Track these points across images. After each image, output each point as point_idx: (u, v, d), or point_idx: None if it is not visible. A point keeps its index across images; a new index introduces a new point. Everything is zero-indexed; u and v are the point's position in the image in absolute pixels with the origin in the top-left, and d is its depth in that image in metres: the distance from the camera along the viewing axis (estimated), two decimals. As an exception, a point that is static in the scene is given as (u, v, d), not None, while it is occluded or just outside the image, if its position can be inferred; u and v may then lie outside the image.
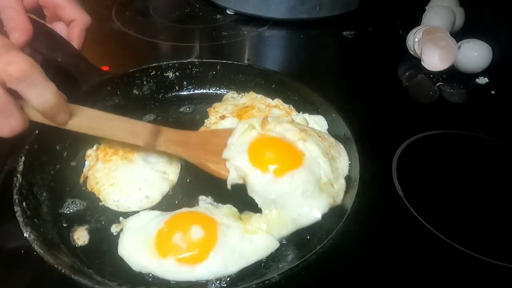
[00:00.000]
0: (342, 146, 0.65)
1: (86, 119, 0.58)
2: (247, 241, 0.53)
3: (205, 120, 0.74)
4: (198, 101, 0.80)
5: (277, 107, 0.74)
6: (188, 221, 0.55)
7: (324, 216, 0.55)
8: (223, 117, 0.72)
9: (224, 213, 0.56)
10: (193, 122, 0.75)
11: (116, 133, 0.59)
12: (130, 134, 0.59)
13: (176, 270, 0.51)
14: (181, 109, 0.79)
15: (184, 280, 0.50)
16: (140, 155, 0.63)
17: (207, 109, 0.76)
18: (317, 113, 0.73)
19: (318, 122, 0.71)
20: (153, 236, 0.53)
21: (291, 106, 0.75)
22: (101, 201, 0.59)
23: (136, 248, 0.53)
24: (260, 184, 0.56)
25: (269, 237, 0.54)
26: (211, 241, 0.52)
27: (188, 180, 0.64)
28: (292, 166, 0.57)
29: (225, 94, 0.81)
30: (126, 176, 0.61)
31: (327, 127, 0.71)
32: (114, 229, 0.56)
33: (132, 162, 0.62)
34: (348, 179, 0.61)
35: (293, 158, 0.58)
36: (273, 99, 0.76)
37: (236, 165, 0.57)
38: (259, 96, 0.78)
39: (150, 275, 0.51)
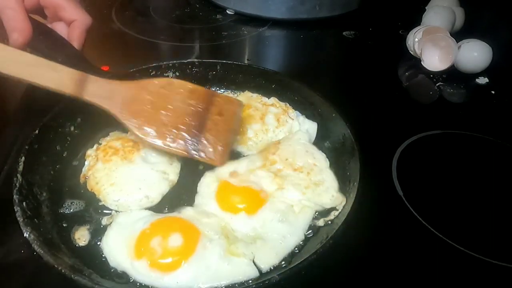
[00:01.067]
0: (322, 159, 0.64)
1: (10, 61, 0.55)
2: (226, 261, 0.51)
3: None
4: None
5: (273, 106, 0.74)
6: (171, 227, 0.53)
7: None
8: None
9: (213, 225, 0.54)
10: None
11: (39, 79, 0.56)
12: (55, 81, 0.57)
13: (146, 273, 0.49)
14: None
15: (152, 285, 0.49)
16: (140, 155, 0.63)
17: None
18: (317, 113, 0.73)
19: (309, 130, 0.71)
20: (135, 236, 0.53)
21: (287, 104, 0.75)
22: (101, 201, 0.59)
23: (117, 244, 0.53)
24: (236, 225, 0.56)
25: (250, 264, 0.51)
26: (188, 252, 0.50)
27: (188, 180, 0.64)
28: (260, 203, 0.57)
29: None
30: (126, 176, 0.60)
31: (314, 136, 0.71)
32: (105, 221, 0.56)
33: (132, 162, 0.62)
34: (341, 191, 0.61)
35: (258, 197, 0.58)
36: (269, 98, 0.76)
37: (208, 212, 0.57)
38: (255, 95, 0.77)
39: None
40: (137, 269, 0.50)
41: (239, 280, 0.49)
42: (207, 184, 0.61)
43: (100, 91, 0.60)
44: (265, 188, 0.59)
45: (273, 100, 0.76)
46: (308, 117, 0.74)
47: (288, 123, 0.71)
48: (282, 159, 0.63)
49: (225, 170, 0.62)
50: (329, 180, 0.61)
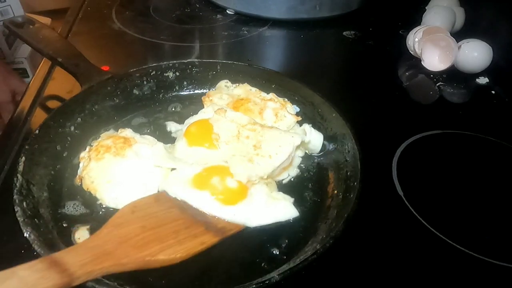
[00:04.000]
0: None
1: None
2: (271, 203, 0.59)
3: (200, 110, 0.73)
4: (199, 101, 0.80)
5: (272, 100, 0.74)
6: (226, 172, 0.59)
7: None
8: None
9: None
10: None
11: None
12: None
13: (209, 202, 0.57)
14: (181, 109, 0.79)
15: (212, 214, 0.56)
16: (132, 150, 0.63)
17: (202, 97, 0.76)
18: (317, 113, 0.73)
19: (312, 141, 0.68)
20: (191, 178, 0.59)
21: (286, 99, 0.75)
22: (98, 200, 0.59)
23: (176, 182, 0.59)
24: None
25: (291, 206, 0.59)
26: (243, 193, 0.58)
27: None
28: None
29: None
30: (120, 172, 0.60)
31: (318, 147, 0.69)
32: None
33: (125, 158, 0.62)
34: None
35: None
36: (268, 93, 0.76)
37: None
38: (254, 89, 0.77)
39: (150, 279, 0.51)
40: (200, 198, 0.57)
41: (284, 219, 0.58)
42: None
43: (85, 256, 0.43)
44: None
45: (272, 95, 0.75)
46: (308, 117, 0.74)
47: (286, 117, 0.71)
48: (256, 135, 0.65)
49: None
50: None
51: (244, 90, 0.77)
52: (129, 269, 0.46)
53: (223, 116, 0.66)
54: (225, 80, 0.80)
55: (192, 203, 0.57)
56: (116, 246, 0.46)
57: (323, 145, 0.69)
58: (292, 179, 0.65)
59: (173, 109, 0.78)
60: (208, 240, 0.52)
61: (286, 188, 0.64)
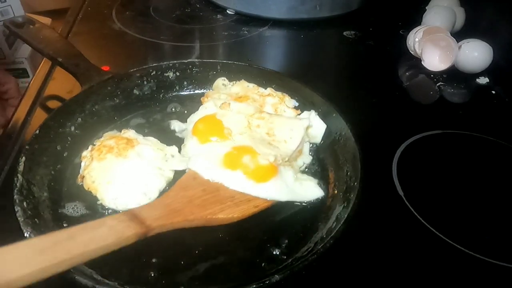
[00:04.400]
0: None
1: (50, 252, 0.39)
2: (298, 183, 0.61)
3: (200, 106, 0.73)
4: (199, 101, 0.80)
5: (270, 96, 0.74)
6: (253, 152, 0.60)
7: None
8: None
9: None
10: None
11: (92, 248, 0.42)
12: (109, 239, 0.43)
13: (242, 181, 0.58)
14: (181, 109, 0.79)
15: (245, 192, 0.57)
16: (135, 151, 0.63)
17: (201, 98, 0.76)
18: (317, 113, 0.72)
19: (315, 127, 0.70)
20: (221, 157, 0.60)
21: (284, 93, 0.75)
22: (99, 200, 0.59)
23: (207, 163, 0.60)
24: None
25: (316, 186, 0.62)
26: (273, 170, 0.59)
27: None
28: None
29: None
30: (122, 173, 0.60)
31: (320, 136, 0.70)
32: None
33: (127, 159, 0.62)
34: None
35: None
36: (265, 88, 0.76)
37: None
38: (251, 85, 0.77)
39: (152, 274, 0.51)
40: (234, 178, 0.58)
41: (311, 198, 0.61)
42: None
43: (158, 212, 0.51)
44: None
45: (270, 90, 0.76)
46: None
47: (285, 112, 0.72)
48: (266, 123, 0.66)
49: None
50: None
51: (241, 87, 0.77)
52: (194, 225, 0.53)
53: (229, 109, 0.67)
54: (222, 78, 0.79)
55: (228, 184, 0.58)
56: (184, 205, 0.53)
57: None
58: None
59: (173, 109, 0.78)
60: (261, 203, 0.57)
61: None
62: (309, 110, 0.73)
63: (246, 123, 0.65)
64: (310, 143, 0.70)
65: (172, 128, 0.73)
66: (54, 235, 0.40)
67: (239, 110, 0.68)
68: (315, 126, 0.70)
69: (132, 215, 0.48)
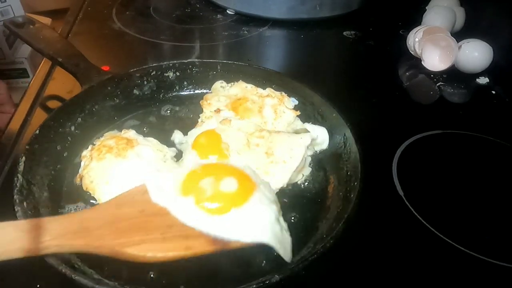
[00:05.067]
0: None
1: None
2: (278, 225, 0.49)
3: (200, 115, 0.73)
4: (199, 102, 0.80)
5: (269, 96, 0.73)
6: (227, 171, 0.51)
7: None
8: (218, 111, 0.71)
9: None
10: (193, 123, 0.75)
11: None
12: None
13: (190, 212, 0.47)
14: (181, 110, 0.79)
15: (190, 225, 0.46)
16: (134, 152, 0.63)
17: (200, 102, 0.76)
18: (317, 113, 0.73)
19: (319, 136, 0.68)
20: (184, 175, 0.52)
21: (283, 93, 0.75)
22: (97, 201, 0.59)
23: (163, 182, 0.51)
24: None
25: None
26: (240, 199, 0.48)
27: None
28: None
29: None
30: (119, 174, 0.60)
31: (327, 140, 0.69)
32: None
33: (126, 159, 0.61)
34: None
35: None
36: (264, 89, 0.76)
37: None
38: (249, 86, 0.77)
39: (152, 274, 0.51)
40: (180, 205, 0.48)
41: (282, 248, 0.47)
42: None
43: (65, 228, 0.44)
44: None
45: (269, 90, 0.75)
46: (309, 117, 0.74)
47: (285, 113, 0.71)
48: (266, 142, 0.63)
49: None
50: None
51: (240, 88, 0.76)
52: (100, 253, 0.45)
53: (229, 125, 0.66)
54: (220, 81, 0.79)
55: (175, 213, 0.48)
56: (100, 226, 0.46)
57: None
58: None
59: (173, 110, 0.78)
60: (198, 246, 0.46)
61: (286, 190, 0.64)
62: (311, 114, 0.73)
63: (245, 141, 0.63)
64: (316, 151, 0.69)
65: (171, 139, 0.70)
66: None
67: (239, 127, 0.66)
68: (319, 135, 0.69)
69: (35, 225, 0.43)
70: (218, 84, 0.79)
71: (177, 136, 0.71)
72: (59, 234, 0.43)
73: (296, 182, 0.64)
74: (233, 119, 0.68)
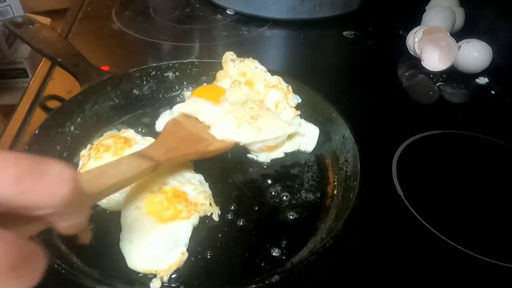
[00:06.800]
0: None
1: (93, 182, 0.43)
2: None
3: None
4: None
5: (275, 87, 0.73)
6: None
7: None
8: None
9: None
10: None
11: (122, 178, 0.46)
12: (130, 172, 0.48)
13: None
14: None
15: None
16: (132, 151, 0.63)
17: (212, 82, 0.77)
18: (317, 113, 0.73)
19: (308, 134, 0.71)
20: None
21: (289, 87, 0.75)
22: None
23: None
24: None
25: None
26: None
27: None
28: None
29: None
30: None
31: (315, 141, 0.70)
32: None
33: None
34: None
35: None
36: (272, 75, 0.75)
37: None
38: (259, 69, 0.75)
39: (150, 279, 0.51)
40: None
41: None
42: None
43: (161, 150, 0.56)
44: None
45: (276, 79, 0.74)
46: (308, 117, 0.74)
47: (285, 110, 0.71)
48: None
49: None
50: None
51: (249, 69, 0.75)
52: (192, 158, 0.62)
53: (239, 87, 0.69)
54: (230, 53, 0.77)
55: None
56: (179, 143, 0.60)
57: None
58: (292, 180, 0.65)
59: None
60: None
61: (286, 190, 0.64)
62: (310, 114, 0.73)
63: (243, 101, 0.68)
64: (300, 150, 0.70)
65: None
66: (89, 172, 0.45)
67: (246, 92, 0.70)
68: (307, 135, 0.70)
69: (140, 155, 0.53)
70: (229, 56, 0.77)
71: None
72: (162, 153, 0.55)
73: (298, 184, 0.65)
74: (243, 85, 0.71)
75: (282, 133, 0.66)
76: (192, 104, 0.68)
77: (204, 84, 0.79)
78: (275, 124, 0.66)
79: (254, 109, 0.67)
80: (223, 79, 0.75)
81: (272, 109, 0.71)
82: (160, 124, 0.73)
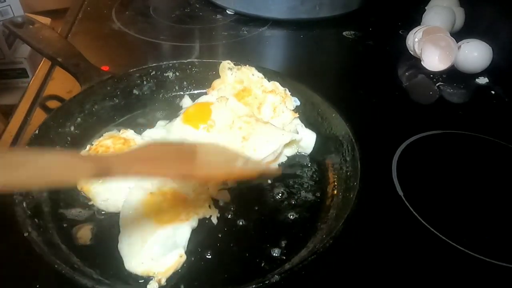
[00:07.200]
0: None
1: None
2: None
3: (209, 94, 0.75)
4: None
5: (272, 92, 0.73)
6: None
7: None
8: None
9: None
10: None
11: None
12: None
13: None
14: (181, 110, 0.79)
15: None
16: None
17: (207, 90, 0.77)
18: (317, 113, 0.73)
19: (304, 138, 0.70)
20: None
21: (287, 91, 0.75)
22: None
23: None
24: None
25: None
26: None
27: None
28: None
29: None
30: None
31: (311, 146, 0.70)
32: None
33: None
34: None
35: None
36: (269, 81, 0.75)
37: None
38: (257, 76, 0.75)
39: (150, 278, 0.51)
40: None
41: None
42: None
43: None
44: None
45: (273, 85, 0.75)
46: (308, 117, 0.74)
47: (283, 113, 0.71)
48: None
49: None
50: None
51: (246, 76, 0.75)
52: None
53: (224, 104, 0.68)
54: (228, 61, 0.78)
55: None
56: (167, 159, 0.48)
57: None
58: (292, 180, 0.66)
59: (173, 110, 0.78)
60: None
61: (286, 190, 0.64)
62: (310, 114, 0.73)
63: (230, 122, 0.66)
64: (299, 152, 0.70)
65: (180, 104, 0.78)
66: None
67: (233, 108, 0.68)
68: (304, 137, 0.70)
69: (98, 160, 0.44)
70: (226, 64, 0.77)
71: (185, 101, 0.76)
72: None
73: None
74: (230, 98, 0.70)
75: (278, 146, 0.65)
76: (178, 132, 0.66)
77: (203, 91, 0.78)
78: (269, 138, 0.65)
79: (244, 128, 0.65)
80: (219, 87, 0.75)
81: (268, 114, 0.71)
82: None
